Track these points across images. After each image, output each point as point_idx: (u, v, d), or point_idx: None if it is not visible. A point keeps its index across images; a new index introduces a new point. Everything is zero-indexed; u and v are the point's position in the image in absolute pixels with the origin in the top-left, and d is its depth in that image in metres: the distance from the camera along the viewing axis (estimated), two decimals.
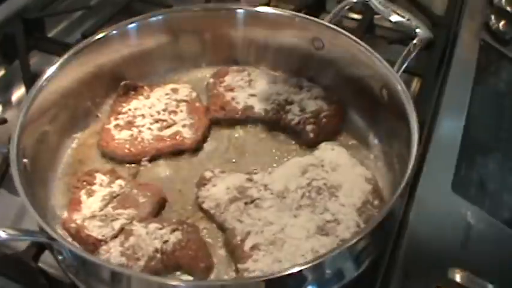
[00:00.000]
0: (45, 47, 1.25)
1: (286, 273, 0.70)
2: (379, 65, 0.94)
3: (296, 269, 0.70)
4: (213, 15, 1.09)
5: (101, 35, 1.04)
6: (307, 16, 1.04)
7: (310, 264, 0.71)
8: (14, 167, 0.79)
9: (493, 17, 1.32)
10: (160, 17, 1.09)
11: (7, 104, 1.20)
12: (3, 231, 0.72)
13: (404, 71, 1.11)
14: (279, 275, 0.70)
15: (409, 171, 0.78)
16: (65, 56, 0.99)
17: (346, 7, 1.05)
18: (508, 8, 1.30)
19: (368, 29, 1.24)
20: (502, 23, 1.28)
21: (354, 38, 0.98)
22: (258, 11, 1.07)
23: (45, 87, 0.94)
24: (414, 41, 0.96)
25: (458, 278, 0.80)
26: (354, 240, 0.72)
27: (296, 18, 1.04)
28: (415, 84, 1.19)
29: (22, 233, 0.75)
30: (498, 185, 1.01)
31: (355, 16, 1.32)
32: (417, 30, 0.97)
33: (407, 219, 0.91)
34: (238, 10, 1.08)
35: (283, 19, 1.05)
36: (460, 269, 0.81)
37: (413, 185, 0.96)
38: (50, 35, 1.32)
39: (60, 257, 0.76)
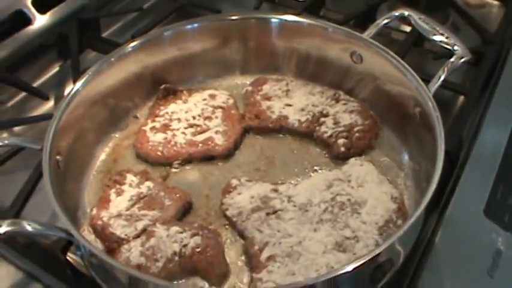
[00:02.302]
0: (98, 47, 1.30)
1: (300, 285, 0.72)
2: (413, 82, 0.92)
3: (309, 282, 0.71)
4: (257, 23, 1.10)
5: (148, 37, 1.07)
6: (347, 29, 1.03)
7: (322, 279, 0.71)
8: (45, 166, 0.82)
9: None
10: (207, 22, 1.10)
11: (59, 100, 1.25)
12: (28, 224, 0.76)
13: (448, 89, 1.11)
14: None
15: (430, 192, 0.77)
16: (110, 56, 1.02)
17: (386, 20, 1.03)
18: None
19: (416, 42, 1.23)
20: None
21: (390, 53, 0.97)
22: (301, 22, 1.07)
23: (87, 86, 0.98)
24: (452, 59, 0.94)
25: None
26: (367, 258, 0.71)
27: (336, 31, 1.04)
28: (461, 101, 1.17)
29: (46, 228, 0.78)
30: None
31: (406, 28, 1.31)
32: (455, 47, 0.95)
33: (434, 241, 0.90)
34: (282, 19, 1.08)
35: (324, 31, 1.05)
36: None
37: (445, 206, 0.95)
38: (104, 35, 1.36)
39: (79, 253, 0.78)
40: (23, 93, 1.24)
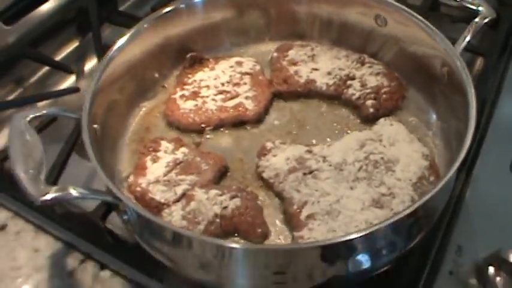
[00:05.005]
0: (116, 20, 1.32)
1: (342, 239, 0.73)
2: (440, 43, 0.94)
3: (351, 236, 0.72)
4: None
5: (169, 9, 1.07)
6: None
7: (364, 233, 0.73)
8: (85, 132, 0.83)
9: None
10: None
11: (80, 74, 1.26)
12: (74, 189, 0.77)
13: (468, 50, 1.12)
14: (335, 241, 0.73)
15: (465, 148, 0.78)
16: (135, 28, 1.03)
17: None
18: None
19: (432, 7, 1.24)
20: None
21: (416, 15, 0.98)
22: None
23: (115, 58, 0.98)
24: (476, 20, 0.96)
25: None
26: (407, 212, 0.73)
27: None
28: (479, 64, 1.19)
29: (91, 192, 0.80)
30: None
31: None
32: (480, 8, 0.97)
33: (463, 198, 0.93)
34: None
35: None
36: None
37: (471, 165, 0.97)
38: (121, 8, 1.37)
39: (125, 217, 0.80)
40: (43, 70, 1.26)
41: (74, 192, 0.77)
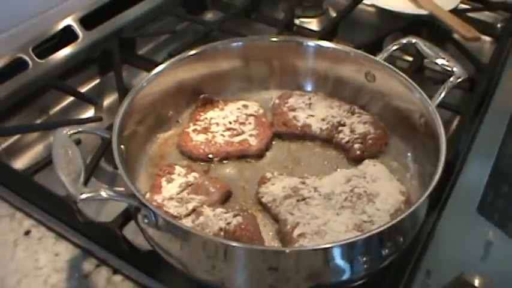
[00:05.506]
0: (135, 63, 1.46)
1: (321, 247, 0.87)
2: (419, 97, 1.09)
3: (329, 245, 0.87)
4: (282, 46, 1.27)
5: (185, 55, 1.21)
6: (363, 52, 1.21)
7: (339, 244, 0.85)
8: (115, 148, 0.96)
9: None
10: (237, 43, 1.27)
11: (99, 107, 1.41)
12: (104, 191, 0.88)
13: (447, 108, 1.28)
14: (316, 247, 0.88)
15: (434, 181, 0.92)
16: (156, 70, 1.16)
17: (396, 46, 1.21)
18: None
19: (418, 70, 1.41)
20: None
21: (400, 73, 1.14)
22: (322, 46, 1.24)
23: (138, 94, 1.11)
24: (451, 79, 1.12)
25: (476, 282, 0.91)
26: (378, 230, 0.86)
27: (353, 54, 1.21)
28: (456, 122, 1.35)
29: (118, 195, 0.90)
30: None
31: (408, 58, 1.50)
32: (454, 69, 1.13)
33: (434, 231, 1.06)
34: (305, 44, 1.26)
35: (342, 54, 1.22)
36: (478, 274, 0.94)
37: (442, 207, 1.10)
38: (140, 52, 1.53)
39: (145, 221, 0.90)
40: (66, 101, 1.40)
41: (104, 193, 0.88)
